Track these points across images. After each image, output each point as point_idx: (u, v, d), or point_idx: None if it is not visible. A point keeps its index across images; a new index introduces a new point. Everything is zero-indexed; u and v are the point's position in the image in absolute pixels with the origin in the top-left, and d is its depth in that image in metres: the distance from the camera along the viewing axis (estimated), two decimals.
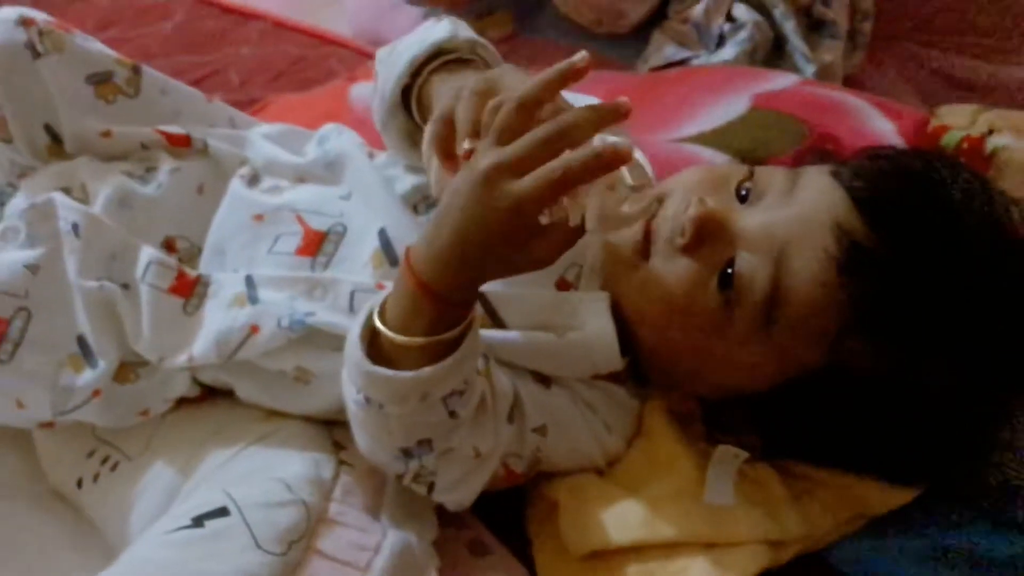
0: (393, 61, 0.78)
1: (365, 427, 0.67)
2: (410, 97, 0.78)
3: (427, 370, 0.61)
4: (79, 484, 0.79)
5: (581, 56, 0.59)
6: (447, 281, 0.60)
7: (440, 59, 0.76)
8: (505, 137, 0.58)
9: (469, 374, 0.64)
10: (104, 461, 0.78)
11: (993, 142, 1.10)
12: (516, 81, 0.65)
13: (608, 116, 0.57)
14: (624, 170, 0.59)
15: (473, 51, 0.77)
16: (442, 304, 0.61)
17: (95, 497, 0.78)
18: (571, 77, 0.59)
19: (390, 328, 0.62)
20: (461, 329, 0.62)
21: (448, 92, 0.70)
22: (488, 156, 0.58)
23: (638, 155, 0.60)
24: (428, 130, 0.69)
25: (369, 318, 0.64)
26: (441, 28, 0.77)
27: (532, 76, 0.61)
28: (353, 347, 0.64)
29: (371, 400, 0.64)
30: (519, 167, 0.57)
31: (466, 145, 0.62)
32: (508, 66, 0.72)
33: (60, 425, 0.78)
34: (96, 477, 0.78)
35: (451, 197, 0.60)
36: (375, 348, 0.63)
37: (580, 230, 0.59)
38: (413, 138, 0.80)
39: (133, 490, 0.75)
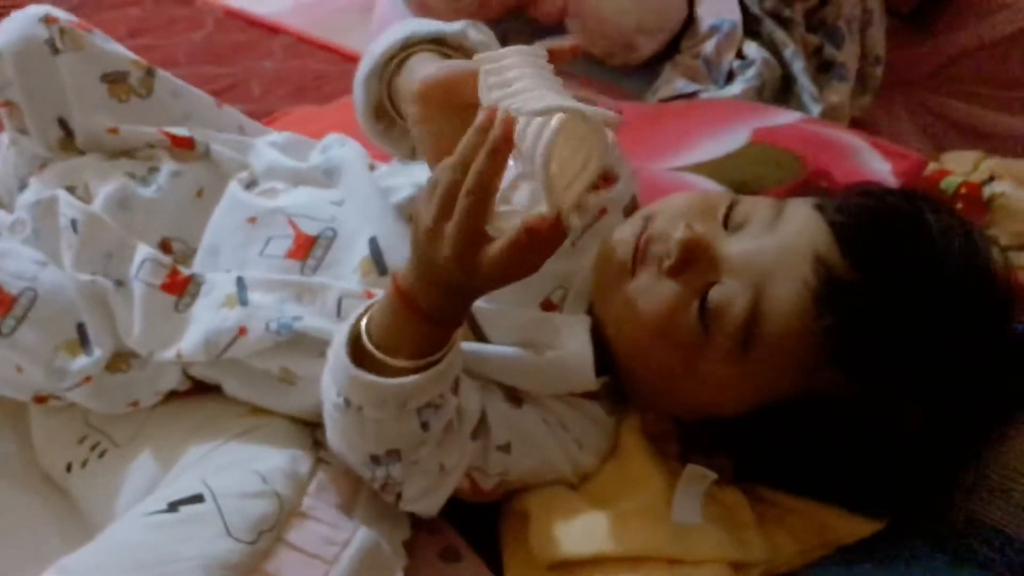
0: (380, 42, 0.77)
1: (340, 429, 0.69)
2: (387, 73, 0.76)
3: (409, 379, 0.63)
4: (68, 469, 0.80)
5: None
6: (432, 303, 0.63)
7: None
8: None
9: (446, 389, 0.66)
10: (93, 448, 0.79)
11: (991, 188, 1.10)
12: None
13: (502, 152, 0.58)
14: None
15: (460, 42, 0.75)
16: (430, 324, 0.64)
17: (82, 483, 0.80)
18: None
19: (377, 346, 0.65)
20: (445, 350, 0.64)
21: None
22: (422, 217, 0.61)
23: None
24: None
25: (355, 329, 0.66)
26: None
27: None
28: (339, 350, 0.65)
29: (350, 402, 0.65)
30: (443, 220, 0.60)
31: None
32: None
33: (55, 406, 0.80)
34: (85, 463, 0.79)
35: (412, 241, 0.63)
36: (359, 352, 0.65)
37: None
38: (378, 110, 0.79)
39: (118, 478, 0.77)
